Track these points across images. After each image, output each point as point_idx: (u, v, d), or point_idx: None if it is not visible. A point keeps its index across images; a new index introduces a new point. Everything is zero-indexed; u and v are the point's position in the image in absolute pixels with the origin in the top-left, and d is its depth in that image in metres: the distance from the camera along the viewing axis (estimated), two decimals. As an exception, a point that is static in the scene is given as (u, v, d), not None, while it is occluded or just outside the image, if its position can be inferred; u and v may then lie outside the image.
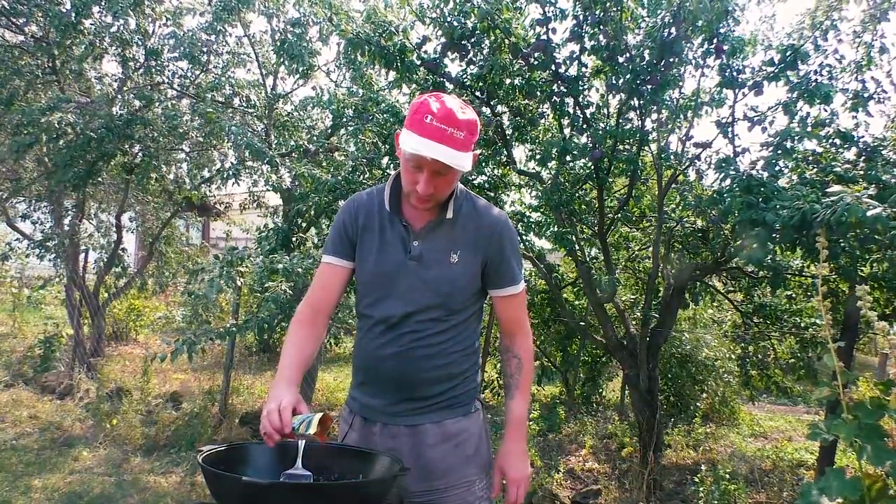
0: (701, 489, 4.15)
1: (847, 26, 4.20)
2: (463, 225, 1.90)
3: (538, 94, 4.55)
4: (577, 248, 4.85)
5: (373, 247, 1.89)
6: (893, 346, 1.31)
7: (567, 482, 4.98)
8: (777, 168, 3.73)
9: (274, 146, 6.33)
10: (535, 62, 4.32)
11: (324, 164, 6.15)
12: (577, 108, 4.52)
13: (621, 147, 4.54)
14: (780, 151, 3.78)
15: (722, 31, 3.98)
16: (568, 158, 4.64)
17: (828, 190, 3.01)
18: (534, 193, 5.70)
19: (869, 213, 2.58)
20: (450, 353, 1.90)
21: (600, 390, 7.20)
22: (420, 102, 1.75)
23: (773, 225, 3.06)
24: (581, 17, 4.20)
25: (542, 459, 5.06)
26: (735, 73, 4.15)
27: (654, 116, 4.52)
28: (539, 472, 4.79)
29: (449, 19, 4.35)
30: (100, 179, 6.90)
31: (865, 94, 4.12)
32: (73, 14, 6.13)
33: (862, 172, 3.56)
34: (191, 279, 5.28)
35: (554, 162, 4.63)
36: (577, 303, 6.39)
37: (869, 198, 2.69)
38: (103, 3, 6.31)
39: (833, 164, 3.79)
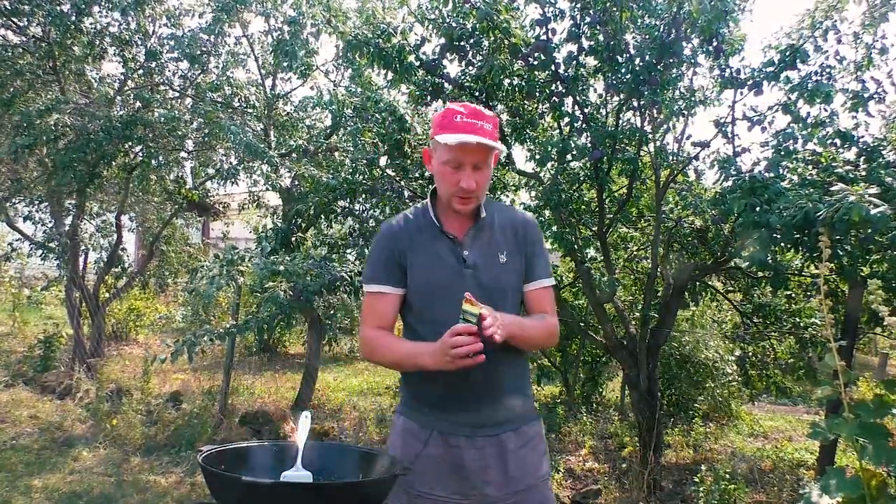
0: (701, 489, 4.15)
1: (847, 26, 4.20)
2: (500, 225, 1.97)
3: (537, 94, 4.55)
4: (577, 248, 4.84)
5: (426, 264, 1.91)
6: (893, 346, 1.31)
7: (567, 482, 4.98)
8: (781, 170, 3.73)
9: (273, 146, 6.33)
10: (535, 62, 4.32)
11: (323, 164, 6.15)
12: (576, 108, 4.52)
13: (620, 147, 4.54)
14: (782, 153, 3.78)
15: (722, 31, 3.98)
16: (567, 158, 4.65)
17: (831, 189, 3.01)
18: (533, 194, 5.70)
19: (873, 212, 2.58)
20: (518, 357, 1.96)
21: (600, 390, 7.20)
22: (444, 111, 1.88)
23: (775, 226, 3.07)
24: (578, 17, 4.19)
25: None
26: (735, 73, 4.15)
27: (654, 116, 4.52)
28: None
29: (448, 20, 4.35)
30: (100, 181, 6.90)
31: (865, 95, 4.12)
32: (74, 14, 6.13)
33: (864, 174, 3.56)
34: (191, 278, 5.28)
35: (553, 162, 4.63)
36: (576, 303, 6.39)
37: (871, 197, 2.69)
38: (103, 3, 6.31)
39: (833, 164, 3.80)
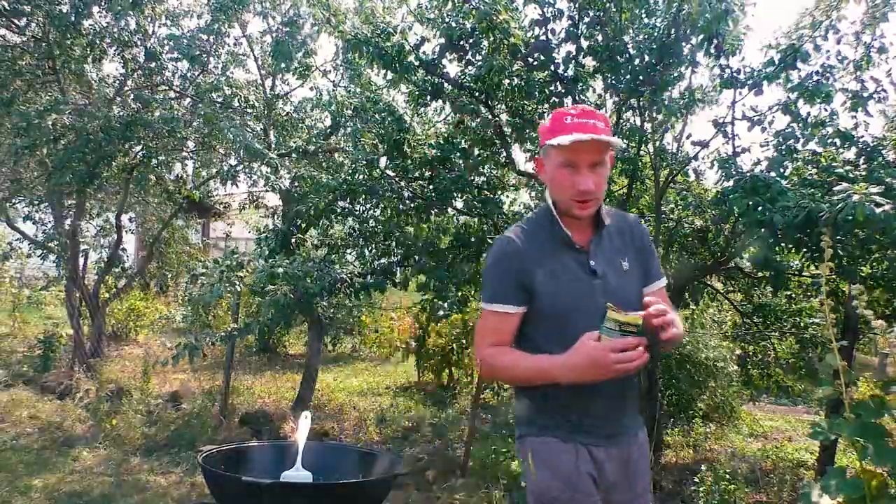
0: (701, 489, 4.15)
1: (846, 25, 4.20)
2: (617, 230, 1.93)
3: (537, 94, 4.55)
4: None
5: (556, 280, 1.84)
6: (892, 345, 1.31)
7: (567, 482, 4.98)
8: (782, 169, 3.73)
9: (273, 146, 6.33)
10: (534, 63, 4.32)
11: (323, 164, 6.15)
12: (576, 107, 4.51)
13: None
14: (784, 152, 3.78)
15: (722, 31, 3.98)
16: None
17: (834, 188, 3.00)
18: (533, 194, 5.70)
19: (878, 211, 2.58)
20: None
21: (600, 390, 7.18)
22: (552, 116, 1.84)
23: (778, 226, 3.06)
24: (576, 16, 4.19)
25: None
26: (734, 73, 4.15)
27: (653, 116, 4.52)
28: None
29: (447, 20, 4.35)
30: (100, 181, 6.90)
31: (865, 94, 4.12)
32: (73, 14, 6.13)
33: (864, 173, 3.56)
34: (190, 280, 5.28)
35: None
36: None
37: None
38: (103, 4, 6.31)
39: (833, 164, 3.80)
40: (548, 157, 1.85)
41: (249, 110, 7.04)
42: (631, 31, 4.34)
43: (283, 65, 6.20)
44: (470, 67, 4.58)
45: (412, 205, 5.12)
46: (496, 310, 1.87)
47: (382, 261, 5.28)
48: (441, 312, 5.30)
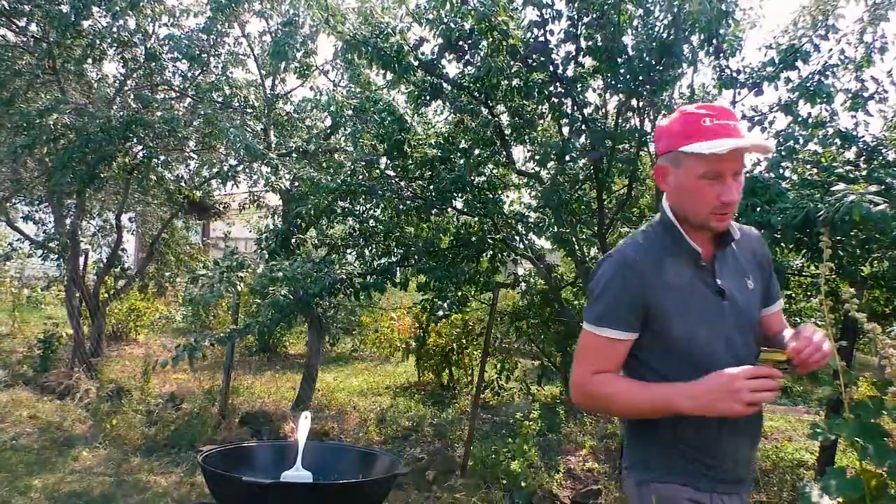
0: (701, 489, 4.15)
1: (846, 25, 4.20)
2: (743, 245, 1.73)
3: (536, 95, 4.55)
4: (577, 248, 4.84)
5: (683, 303, 1.62)
6: (889, 346, 1.31)
7: (567, 482, 4.98)
8: (781, 170, 3.73)
9: (273, 146, 6.33)
10: (533, 63, 4.32)
11: (324, 164, 6.15)
12: (575, 108, 4.51)
13: (620, 148, 4.54)
14: (783, 153, 3.78)
15: (722, 31, 3.98)
16: (567, 159, 4.65)
17: (832, 188, 3.00)
18: (533, 193, 5.71)
19: (875, 210, 2.58)
20: None
21: (600, 390, 7.19)
22: (681, 116, 1.63)
23: (776, 227, 3.06)
24: (575, 16, 4.19)
25: (542, 459, 5.06)
26: (734, 73, 4.15)
27: (653, 116, 4.52)
28: (539, 472, 4.78)
29: (446, 21, 4.35)
30: (100, 181, 6.91)
31: (865, 94, 4.12)
32: (73, 14, 6.13)
33: (864, 173, 3.56)
34: (189, 279, 5.28)
35: (553, 163, 4.63)
36: (576, 303, 6.39)
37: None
38: (102, 4, 6.31)
39: (833, 164, 3.80)
40: (680, 165, 1.60)
41: (249, 110, 7.05)
42: (630, 31, 4.34)
43: (281, 64, 6.19)
44: (469, 68, 4.58)
45: (412, 205, 5.13)
46: (604, 335, 1.63)
47: (382, 261, 5.28)
48: (441, 312, 5.32)
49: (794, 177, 3.92)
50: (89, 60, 6.71)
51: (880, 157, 3.73)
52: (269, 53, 6.48)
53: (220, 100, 6.83)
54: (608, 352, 1.64)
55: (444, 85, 4.71)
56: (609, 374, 1.64)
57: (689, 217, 1.64)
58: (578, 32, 4.20)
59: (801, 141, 3.97)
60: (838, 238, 3.24)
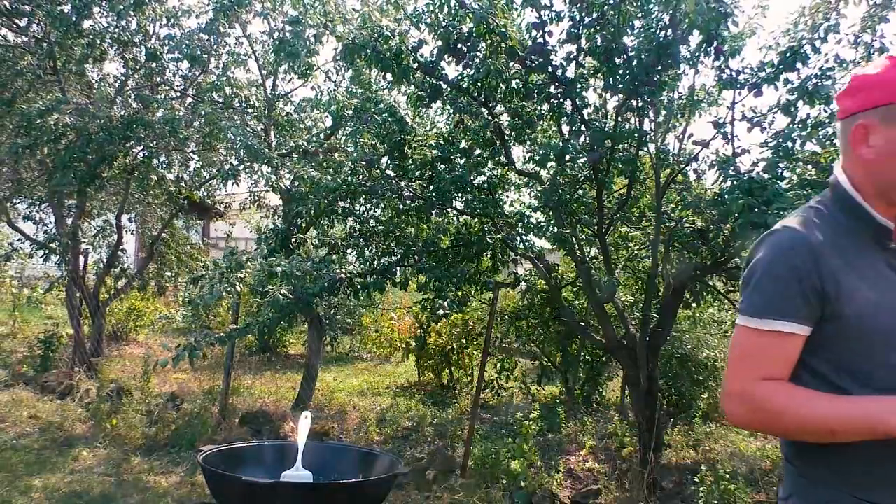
0: (701, 489, 4.15)
1: (846, 25, 4.21)
2: None
3: (535, 96, 4.56)
4: (577, 248, 4.85)
5: (870, 287, 1.31)
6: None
7: (567, 482, 4.99)
8: (779, 171, 3.74)
9: (274, 146, 6.33)
10: (532, 65, 4.32)
11: (324, 164, 6.16)
12: (574, 109, 4.52)
13: (620, 148, 4.54)
14: (780, 154, 3.79)
15: (724, 33, 3.98)
16: (566, 159, 4.65)
17: None
18: (533, 193, 5.71)
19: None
20: None
21: (600, 390, 7.20)
22: (889, 65, 1.33)
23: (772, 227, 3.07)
24: (577, 17, 4.20)
25: (542, 459, 5.07)
26: (734, 74, 4.15)
27: (652, 117, 4.53)
28: (539, 472, 4.79)
29: (444, 24, 4.35)
30: (101, 181, 6.92)
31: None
32: (74, 15, 6.14)
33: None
34: (190, 280, 5.29)
35: (552, 163, 4.63)
36: (576, 303, 6.39)
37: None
38: (104, 4, 6.32)
39: (833, 164, 3.80)
40: (890, 124, 1.30)
41: (250, 110, 7.05)
42: (629, 32, 4.35)
43: (287, 64, 6.19)
44: (468, 70, 4.59)
45: (412, 205, 5.13)
46: (774, 328, 1.32)
47: (382, 261, 5.29)
48: (441, 312, 5.32)
49: (794, 177, 3.93)
50: (90, 60, 6.72)
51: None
52: (273, 51, 6.48)
53: (220, 100, 6.84)
54: (776, 351, 1.33)
55: (444, 86, 4.71)
56: (781, 381, 1.34)
57: (883, 189, 1.34)
58: (580, 33, 4.21)
59: (800, 141, 3.98)
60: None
